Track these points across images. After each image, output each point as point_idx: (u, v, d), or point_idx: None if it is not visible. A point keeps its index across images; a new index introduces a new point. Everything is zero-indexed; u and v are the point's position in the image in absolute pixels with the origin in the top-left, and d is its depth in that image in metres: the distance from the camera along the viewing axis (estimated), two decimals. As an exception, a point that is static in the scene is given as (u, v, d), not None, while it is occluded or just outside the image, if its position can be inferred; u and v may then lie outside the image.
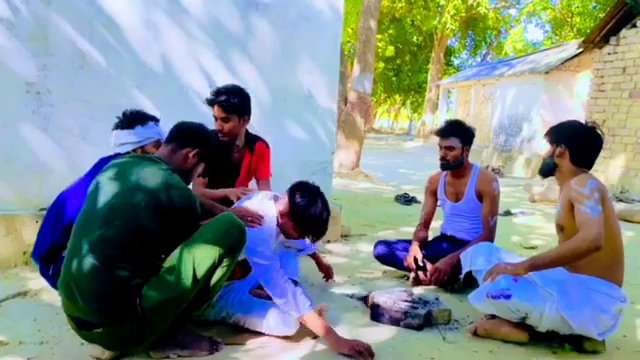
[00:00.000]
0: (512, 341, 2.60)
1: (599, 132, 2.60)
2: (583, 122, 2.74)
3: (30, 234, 3.38)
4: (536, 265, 2.48)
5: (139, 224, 2.07)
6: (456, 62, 35.55)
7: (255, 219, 2.50)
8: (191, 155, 2.34)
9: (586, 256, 2.38)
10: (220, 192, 3.01)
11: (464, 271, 3.00)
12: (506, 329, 2.61)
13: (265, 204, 2.64)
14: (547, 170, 2.71)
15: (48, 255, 2.69)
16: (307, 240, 2.80)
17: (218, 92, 3.05)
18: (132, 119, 2.82)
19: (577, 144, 2.59)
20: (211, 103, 3.05)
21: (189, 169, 2.37)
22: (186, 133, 2.38)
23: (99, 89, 3.75)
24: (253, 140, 3.32)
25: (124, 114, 2.85)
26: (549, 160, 2.67)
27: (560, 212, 2.60)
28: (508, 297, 2.48)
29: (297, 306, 2.37)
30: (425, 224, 3.78)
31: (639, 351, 2.62)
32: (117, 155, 2.73)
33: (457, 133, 3.49)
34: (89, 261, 2.03)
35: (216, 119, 3.09)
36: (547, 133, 2.73)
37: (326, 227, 2.60)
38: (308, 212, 2.51)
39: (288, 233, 2.65)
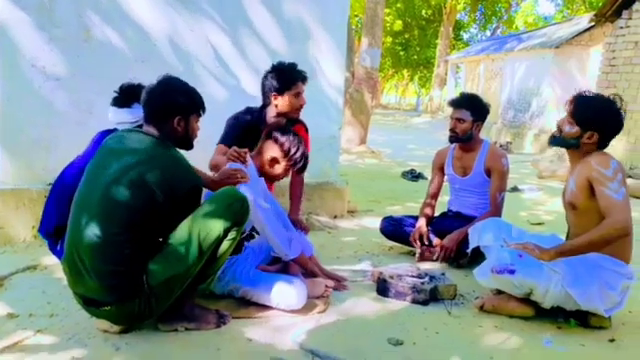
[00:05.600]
0: (517, 316, 2.61)
1: (623, 113, 2.48)
2: (609, 99, 2.51)
3: (39, 209, 3.39)
4: (564, 252, 2.38)
5: (140, 201, 2.05)
6: (465, 37, 35.07)
7: (242, 176, 2.54)
8: (176, 124, 2.23)
9: (615, 242, 2.35)
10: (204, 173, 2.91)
11: (471, 246, 3.00)
12: (512, 304, 2.62)
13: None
14: (564, 146, 2.59)
15: (55, 231, 2.71)
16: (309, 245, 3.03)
17: (298, 69, 3.15)
18: (128, 95, 2.77)
19: (609, 132, 2.48)
20: (305, 79, 3.16)
21: (184, 135, 2.28)
22: (157, 108, 2.22)
23: (105, 63, 3.72)
24: (292, 122, 3.28)
25: (121, 89, 2.80)
26: (573, 141, 2.51)
27: (574, 190, 2.52)
28: (512, 272, 2.49)
29: (289, 249, 2.69)
30: (432, 199, 3.77)
31: (645, 327, 2.63)
32: (116, 130, 2.71)
33: (469, 106, 3.44)
34: (93, 239, 2.03)
35: (298, 94, 3.13)
36: (573, 109, 2.52)
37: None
38: (297, 149, 2.78)
39: (275, 176, 2.87)
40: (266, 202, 2.79)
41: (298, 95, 3.13)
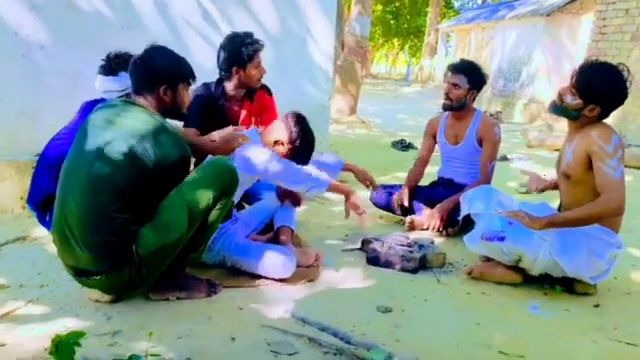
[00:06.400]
0: (505, 283, 2.65)
1: (629, 85, 2.39)
2: (616, 70, 2.39)
3: (26, 180, 3.36)
4: (555, 223, 2.38)
5: (130, 172, 2.04)
6: (456, 5, 34.69)
7: (244, 138, 2.57)
8: (162, 93, 2.19)
9: (606, 218, 2.37)
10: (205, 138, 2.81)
11: (462, 214, 3.01)
12: (500, 271, 2.65)
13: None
14: (564, 115, 2.50)
15: (44, 202, 2.69)
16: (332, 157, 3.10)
17: (255, 37, 3.07)
18: (116, 64, 2.72)
19: (612, 106, 2.42)
20: (263, 47, 3.09)
21: (172, 105, 2.24)
22: (142, 77, 2.20)
23: (89, 31, 3.65)
24: (254, 89, 3.25)
25: (108, 57, 2.75)
26: (575, 113, 2.43)
27: (570, 161, 2.48)
28: (502, 239, 2.51)
29: (320, 180, 2.57)
30: (421, 163, 3.78)
31: (629, 293, 2.69)
32: (102, 100, 2.67)
33: (467, 73, 3.41)
34: (83, 209, 2.02)
35: (259, 64, 3.10)
36: (577, 80, 2.41)
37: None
38: (307, 140, 2.66)
39: None
40: None
41: (259, 65, 3.09)
